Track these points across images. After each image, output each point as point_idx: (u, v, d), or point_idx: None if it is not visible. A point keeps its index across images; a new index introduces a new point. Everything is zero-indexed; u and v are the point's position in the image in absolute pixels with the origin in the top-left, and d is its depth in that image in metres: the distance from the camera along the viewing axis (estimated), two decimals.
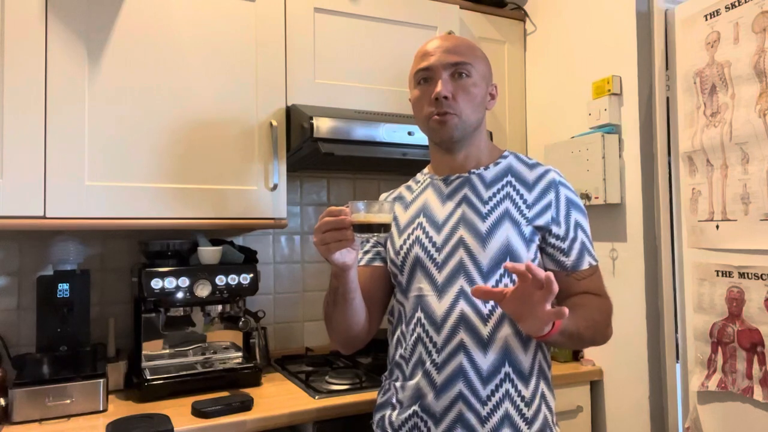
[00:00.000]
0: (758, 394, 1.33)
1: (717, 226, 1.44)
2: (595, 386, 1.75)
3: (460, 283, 1.08)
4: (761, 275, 1.33)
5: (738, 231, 1.39)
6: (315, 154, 1.60)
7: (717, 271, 1.44)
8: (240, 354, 1.68)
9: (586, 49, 1.82)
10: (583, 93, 1.81)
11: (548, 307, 0.92)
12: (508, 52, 2.07)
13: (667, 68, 1.61)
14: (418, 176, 1.28)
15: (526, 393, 1.08)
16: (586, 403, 1.73)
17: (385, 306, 1.25)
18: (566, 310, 0.92)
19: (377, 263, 1.24)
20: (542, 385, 1.11)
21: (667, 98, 1.61)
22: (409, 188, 1.27)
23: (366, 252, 1.26)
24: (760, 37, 1.33)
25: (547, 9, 2.00)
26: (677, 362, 1.59)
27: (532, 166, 1.17)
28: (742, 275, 1.38)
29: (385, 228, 1.00)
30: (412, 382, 1.11)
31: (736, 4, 1.39)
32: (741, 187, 1.38)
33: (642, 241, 1.61)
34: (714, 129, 1.45)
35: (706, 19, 1.47)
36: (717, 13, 1.44)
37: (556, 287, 0.90)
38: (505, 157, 1.19)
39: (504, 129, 2.05)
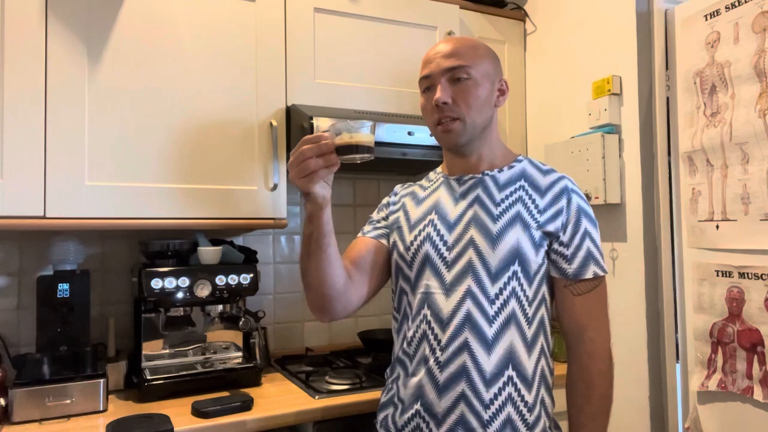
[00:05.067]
0: (758, 394, 1.33)
1: (717, 226, 1.44)
2: None
3: (468, 282, 1.08)
4: (761, 275, 1.33)
5: (738, 231, 1.39)
6: None
7: (717, 271, 1.44)
8: (240, 354, 1.68)
9: (586, 49, 1.82)
10: (583, 93, 1.81)
11: None
12: (508, 52, 2.07)
13: (667, 68, 1.61)
14: (431, 175, 1.28)
15: (529, 398, 1.08)
16: None
17: (372, 281, 1.21)
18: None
19: (382, 240, 1.23)
20: (543, 391, 1.11)
21: (667, 98, 1.61)
22: (421, 186, 1.27)
23: (376, 228, 1.26)
24: (760, 37, 1.33)
25: (547, 9, 2.00)
26: (677, 362, 1.59)
27: (546, 172, 1.17)
28: (742, 275, 1.38)
29: (369, 149, 0.98)
30: (414, 380, 1.11)
31: (736, 4, 1.39)
32: (741, 187, 1.38)
33: (642, 241, 1.61)
34: (714, 129, 1.45)
35: (706, 19, 1.47)
36: (717, 13, 1.44)
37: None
38: (520, 161, 1.19)
39: (504, 129, 2.05)
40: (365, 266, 1.19)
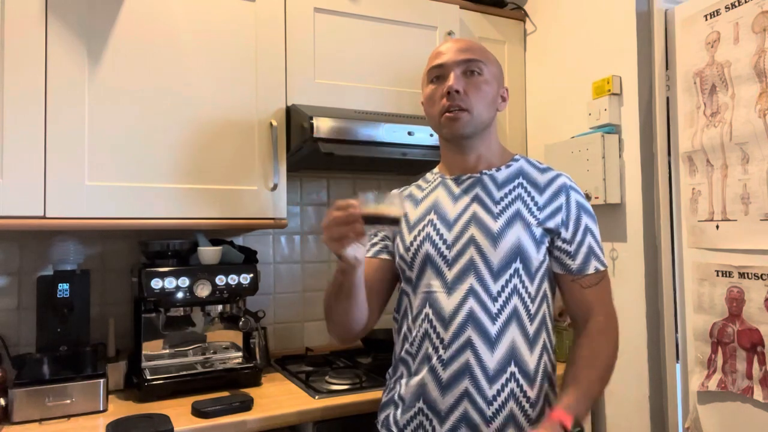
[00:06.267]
0: (758, 394, 1.34)
1: (717, 226, 1.44)
2: None
3: (470, 281, 1.09)
4: (761, 275, 1.33)
5: (738, 231, 1.39)
6: (315, 154, 1.60)
7: (717, 271, 1.44)
8: (240, 354, 1.68)
9: (586, 49, 1.82)
10: (583, 93, 1.81)
11: None
12: (508, 52, 2.07)
13: (667, 68, 1.61)
14: (428, 175, 1.29)
15: (532, 394, 1.08)
16: None
17: (385, 300, 1.25)
18: None
19: (384, 256, 1.25)
20: (546, 387, 1.11)
21: (667, 98, 1.61)
22: (419, 186, 1.28)
23: (374, 244, 1.27)
24: (760, 37, 1.33)
25: (547, 9, 2.00)
26: (677, 362, 1.59)
27: (543, 170, 1.17)
28: (742, 275, 1.38)
29: (396, 221, 1.00)
30: (417, 378, 1.11)
31: (736, 4, 1.39)
32: (741, 187, 1.38)
33: (642, 241, 1.61)
34: (714, 129, 1.45)
35: (706, 19, 1.47)
36: (717, 13, 1.44)
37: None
38: (517, 160, 1.20)
39: (504, 129, 2.05)
40: (375, 287, 1.22)
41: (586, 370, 1.09)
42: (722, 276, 1.43)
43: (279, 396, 1.49)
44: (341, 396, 1.45)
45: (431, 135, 1.64)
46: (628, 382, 1.64)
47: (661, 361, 1.60)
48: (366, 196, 0.98)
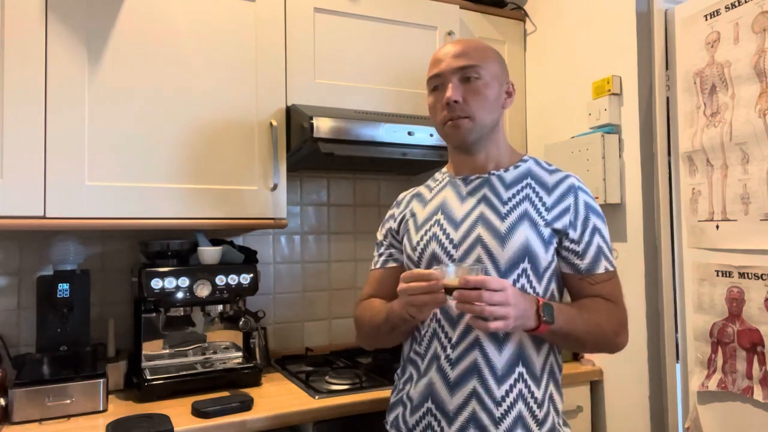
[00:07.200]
0: (758, 394, 1.34)
1: (717, 226, 1.44)
2: (595, 386, 1.75)
3: None
4: (761, 275, 1.33)
5: (738, 231, 1.39)
6: (315, 154, 1.60)
7: (717, 271, 1.44)
8: (240, 354, 1.68)
9: (586, 49, 1.82)
10: (583, 93, 1.81)
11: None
12: (508, 52, 2.07)
13: (667, 68, 1.61)
14: (437, 175, 1.29)
15: (538, 394, 1.08)
16: (586, 403, 1.73)
17: None
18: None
19: (391, 264, 1.26)
20: (551, 386, 1.11)
21: (667, 98, 1.61)
22: (428, 186, 1.28)
23: (380, 255, 1.28)
24: (760, 37, 1.33)
25: (547, 9, 2.00)
26: (677, 362, 1.59)
27: (552, 171, 1.17)
28: (742, 275, 1.38)
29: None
30: (425, 378, 1.12)
31: (736, 4, 1.39)
32: (741, 187, 1.38)
33: (642, 241, 1.61)
34: (714, 129, 1.45)
35: (706, 19, 1.47)
36: (717, 13, 1.44)
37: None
38: (525, 161, 1.20)
39: (504, 129, 2.04)
40: (392, 298, 1.21)
41: (581, 308, 1.09)
42: (722, 276, 1.43)
43: (279, 396, 1.49)
44: (341, 396, 1.45)
45: (431, 135, 1.64)
46: (628, 382, 1.64)
47: (661, 361, 1.60)
48: (447, 270, 0.99)
